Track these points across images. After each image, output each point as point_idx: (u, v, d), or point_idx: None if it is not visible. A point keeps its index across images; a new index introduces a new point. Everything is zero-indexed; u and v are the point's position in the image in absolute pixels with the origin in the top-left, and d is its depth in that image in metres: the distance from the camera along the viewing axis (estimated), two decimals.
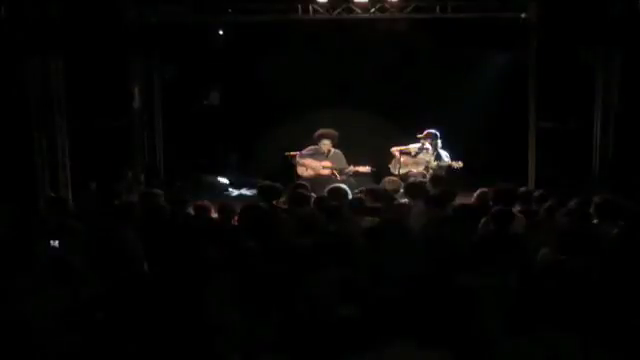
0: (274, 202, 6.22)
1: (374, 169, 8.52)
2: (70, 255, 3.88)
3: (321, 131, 8.67)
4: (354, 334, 3.06)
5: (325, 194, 6.32)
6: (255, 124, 10.84)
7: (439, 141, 8.69)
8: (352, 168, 8.54)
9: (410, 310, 2.82)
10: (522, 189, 6.46)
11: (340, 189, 6.38)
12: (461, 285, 3.53)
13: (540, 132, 9.26)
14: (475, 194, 6.32)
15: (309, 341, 3.10)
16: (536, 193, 6.27)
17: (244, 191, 10.17)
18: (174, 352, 3.17)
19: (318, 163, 8.60)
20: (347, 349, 2.91)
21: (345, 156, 8.72)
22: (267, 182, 6.72)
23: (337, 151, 8.69)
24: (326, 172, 8.54)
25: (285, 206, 6.30)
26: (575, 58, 8.99)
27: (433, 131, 8.70)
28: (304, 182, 7.08)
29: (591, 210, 5.35)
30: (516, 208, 5.78)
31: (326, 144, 8.60)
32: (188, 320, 3.30)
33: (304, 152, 8.74)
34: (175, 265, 3.97)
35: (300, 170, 8.66)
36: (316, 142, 8.66)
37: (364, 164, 8.57)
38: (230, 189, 10.34)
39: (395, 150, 8.63)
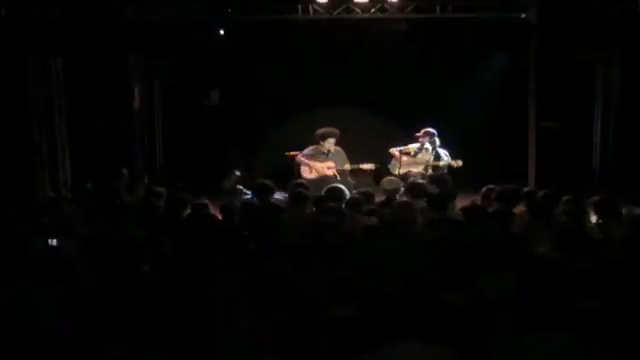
0: (270, 200, 6.23)
1: (378, 166, 8.53)
2: (69, 254, 3.88)
3: (324, 130, 8.64)
4: (355, 334, 3.06)
5: (324, 194, 6.32)
6: (255, 124, 10.84)
7: (437, 140, 8.70)
8: (356, 166, 8.53)
9: (411, 310, 2.82)
10: (525, 189, 6.48)
11: (339, 189, 6.38)
12: (462, 285, 3.53)
13: (540, 132, 9.25)
14: (482, 192, 6.35)
15: (311, 341, 3.09)
16: (537, 193, 6.27)
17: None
18: (176, 352, 3.16)
19: (322, 164, 8.59)
20: (349, 349, 2.91)
21: (345, 154, 8.72)
22: (260, 180, 6.75)
23: (338, 149, 8.67)
24: (330, 173, 8.54)
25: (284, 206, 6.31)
26: (575, 58, 8.98)
27: (431, 130, 8.71)
28: (304, 182, 7.08)
29: (590, 209, 5.36)
30: (518, 208, 5.78)
31: (330, 143, 8.58)
32: (190, 320, 3.30)
33: (305, 152, 8.73)
34: (176, 265, 3.97)
35: (304, 172, 8.62)
36: (318, 141, 8.64)
37: (367, 162, 8.58)
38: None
39: (394, 151, 8.62)
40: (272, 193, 6.43)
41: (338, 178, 8.33)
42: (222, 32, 10.11)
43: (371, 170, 8.54)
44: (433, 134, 8.68)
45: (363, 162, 8.56)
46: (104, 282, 3.68)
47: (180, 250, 4.38)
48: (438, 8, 9.21)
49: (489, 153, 10.10)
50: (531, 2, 8.97)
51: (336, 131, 8.62)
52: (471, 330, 3.08)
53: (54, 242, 4.20)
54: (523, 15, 9.17)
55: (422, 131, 8.69)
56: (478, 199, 6.41)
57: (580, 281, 3.37)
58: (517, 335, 2.91)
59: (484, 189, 6.38)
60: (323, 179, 8.32)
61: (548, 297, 2.99)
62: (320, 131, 8.65)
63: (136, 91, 9.68)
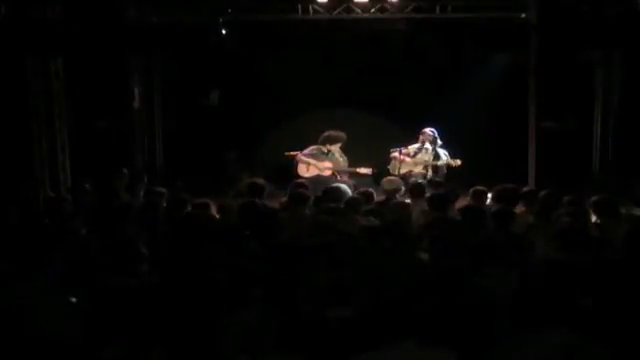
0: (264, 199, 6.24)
1: (375, 170, 8.52)
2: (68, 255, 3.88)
3: (332, 134, 8.63)
4: (354, 334, 3.06)
5: (323, 194, 6.32)
6: (255, 124, 10.84)
7: (439, 140, 8.70)
8: (353, 169, 8.54)
9: (410, 310, 2.82)
10: (525, 189, 6.48)
11: (339, 189, 6.37)
12: (462, 285, 3.53)
13: (540, 132, 9.25)
14: (470, 192, 6.34)
15: (312, 341, 3.10)
16: (537, 193, 6.26)
17: None
18: (176, 352, 3.16)
19: (320, 163, 8.60)
20: (348, 349, 2.91)
21: (346, 156, 8.73)
22: (253, 179, 6.75)
23: (339, 151, 8.68)
24: (328, 173, 8.55)
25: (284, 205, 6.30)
26: (575, 58, 8.98)
27: (432, 130, 8.71)
28: (304, 181, 7.08)
29: (590, 208, 5.36)
30: (518, 208, 5.78)
31: (335, 146, 8.59)
32: (190, 319, 3.30)
33: (305, 151, 8.73)
34: (177, 265, 3.97)
35: (301, 169, 8.64)
36: (324, 143, 8.64)
37: (365, 165, 8.58)
38: None
39: (395, 152, 8.61)
40: (264, 192, 6.43)
41: (338, 178, 8.33)
42: (223, 32, 10.10)
43: (368, 174, 8.54)
44: (434, 134, 8.68)
45: (361, 166, 8.55)
46: (103, 282, 3.68)
47: (178, 249, 4.38)
48: (438, 8, 9.19)
49: (489, 153, 10.09)
50: (531, 2, 8.96)
51: (344, 136, 8.62)
52: (471, 330, 3.08)
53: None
54: (523, 15, 9.16)
55: (423, 130, 8.70)
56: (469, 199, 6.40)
57: (580, 281, 3.37)
58: (517, 335, 2.91)
59: (471, 190, 6.37)
60: (320, 178, 8.32)
61: (548, 297, 2.99)
62: (328, 134, 8.63)
63: (136, 91, 9.68)
